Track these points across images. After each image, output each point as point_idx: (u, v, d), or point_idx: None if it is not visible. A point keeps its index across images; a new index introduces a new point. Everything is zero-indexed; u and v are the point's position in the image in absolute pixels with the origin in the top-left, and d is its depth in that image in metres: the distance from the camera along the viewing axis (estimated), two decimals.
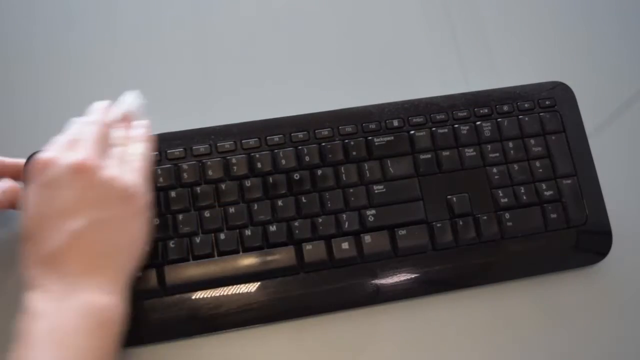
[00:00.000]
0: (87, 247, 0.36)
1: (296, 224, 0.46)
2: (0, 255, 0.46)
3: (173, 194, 0.45)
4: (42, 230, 0.36)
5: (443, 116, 0.49)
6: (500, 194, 0.48)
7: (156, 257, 0.44)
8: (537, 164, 0.49)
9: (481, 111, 0.50)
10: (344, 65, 0.55)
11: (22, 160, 0.45)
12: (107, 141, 0.40)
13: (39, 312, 0.34)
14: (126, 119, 0.43)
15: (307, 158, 0.47)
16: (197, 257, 0.45)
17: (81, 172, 0.37)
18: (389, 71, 0.55)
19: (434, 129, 0.49)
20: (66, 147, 0.39)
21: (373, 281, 0.46)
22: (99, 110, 0.42)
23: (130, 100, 0.45)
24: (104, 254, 0.37)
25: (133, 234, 0.39)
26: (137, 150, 0.41)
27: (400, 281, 0.46)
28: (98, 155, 0.38)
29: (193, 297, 0.44)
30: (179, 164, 0.46)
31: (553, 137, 0.50)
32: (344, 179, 0.47)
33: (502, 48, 0.56)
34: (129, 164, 0.40)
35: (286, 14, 0.56)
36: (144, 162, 0.41)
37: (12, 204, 0.44)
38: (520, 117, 0.50)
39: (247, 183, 0.46)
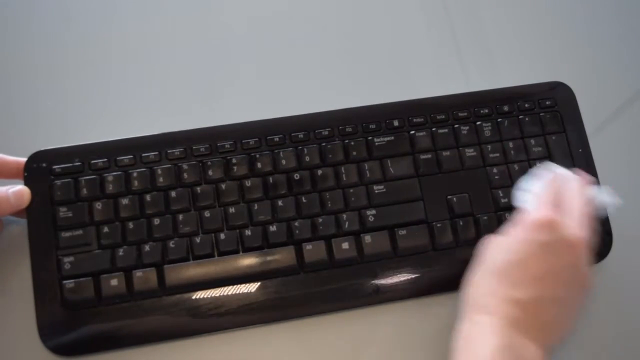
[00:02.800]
0: (540, 315, 0.39)
1: (296, 224, 0.46)
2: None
3: (173, 194, 0.45)
4: (518, 277, 0.39)
5: (443, 116, 0.49)
6: (501, 194, 0.48)
7: (156, 257, 0.44)
8: (538, 164, 0.49)
9: (481, 111, 0.50)
10: (345, 66, 0.55)
11: (23, 159, 0.45)
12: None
13: (493, 329, 0.38)
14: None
15: (307, 158, 0.47)
16: (197, 257, 0.45)
17: (574, 250, 0.39)
18: (389, 71, 0.55)
19: (434, 129, 0.49)
20: (559, 210, 0.41)
21: (373, 281, 0.46)
22: (579, 179, 0.44)
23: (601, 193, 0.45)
24: (548, 326, 0.39)
25: (572, 317, 0.41)
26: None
27: (400, 281, 0.46)
28: (589, 237, 0.40)
29: (193, 297, 0.44)
30: (179, 164, 0.46)
31: (553, 137, 0.50)
32: (344, 179, 0.47)
33: (502, 48, 0.56)
34: (591, 254, 0.41)
35: (286, 15, 0.56)
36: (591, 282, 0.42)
37: (21, 208, 0.44)
38: (520, 117, 0.50)
39: (247, 183, 0.46)
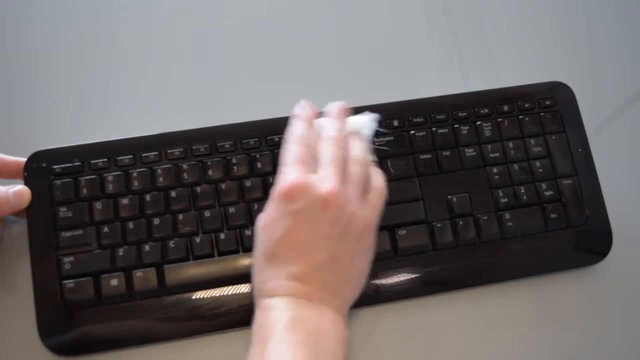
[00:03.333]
0: (324, 278, 0.39)
1: None
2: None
3: (173, 193, 0.45)
4: (288, 255, 0.38)
5: (443, 116, 0.49)
6: (500, 194, 0.48)
7: (156, 257, 0.44)
8: (537, 164, 0.49)
9: (481, 111, 0.50)
10: (344, 65, 0.55)
11: (23, 159, 0.45)
12: (344, 163, 0.40)
13: (281, 308, 0.37)
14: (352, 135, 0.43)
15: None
16: (197, 257, 0.45)
17: (331, 206, 0.38)
18: (389, 71, 0.55)
19: (434, 129, 0.49)
20: (310, 168, 0.39)
21: (373, 281, 0.46)
22: (334, 123, 0.42)
23: (364, 121, 0.44)
24: (336, 285, 0.39)
25: (361, 267, 0.41)
26: (377, 183, 0.42)
27: (400, 281, 0.46)
28: (342, 183, 0.39)
29: (193, 297, 0.44)
30: (179, 164, 0.46)
31: (553, 137, 0.50)
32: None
33: (502, 48, 0.56)
34: (369, 200, 0.41)
35: (286, 15, 0.56)
36: (382, 198, 0.42)
37: (21, 208, 0.44)
38: (520, 117, 0.50)
39: (247, 183, 0.46)
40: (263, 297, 0.39)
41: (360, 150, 0.42)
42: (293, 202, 0.38)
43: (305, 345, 0.36)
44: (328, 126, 0.42)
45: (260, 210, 0.45)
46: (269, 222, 0.39)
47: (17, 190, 0.44)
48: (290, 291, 0.38)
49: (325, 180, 0.38)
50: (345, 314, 0.40)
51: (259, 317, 0.38)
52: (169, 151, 0.46)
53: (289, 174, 0.38)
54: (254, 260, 0.41)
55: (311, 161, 0.40)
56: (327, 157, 0.40)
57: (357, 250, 0.40)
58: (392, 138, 0.48)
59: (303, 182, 0.38)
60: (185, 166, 0.46)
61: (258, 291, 0.40)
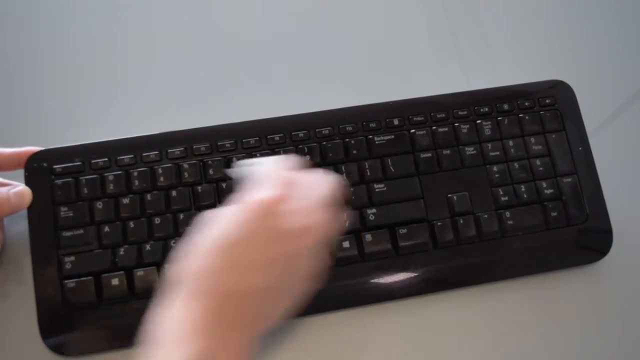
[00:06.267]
0: (252, 308, 0.34)
1: None
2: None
3: (174, 193, 0.45)
4: (237, 261, 0.34)
5: (443, 115, 0.50)
6: (501, 193, 0.48)
7: (157, 257, 0.44)
8: (538, 162, 0.49)
9: (481, 110, 0.50)
10: (344, 65, 0.55)
11: (23, 149, 0.45)
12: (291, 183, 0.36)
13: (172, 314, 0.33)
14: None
15: (307, 157, 0.47)
16: None
17: (300, 238, 0.34)
18: (389, 70, 0.55)
19: (434, 127, 0.49)
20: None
21: (374, 280, 0.46)
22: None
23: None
24: (258, 317, 0.35)
25: (288, 303, 0.36)
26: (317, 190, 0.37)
27: (401, 280, 0.46)
28: (315, 216, 0.35)
29: None
30: (180, 163, 0.46)
31: (553, 136, 0.50)
32: (345, 177, 0.47)
33: (502, 46, 0.56)
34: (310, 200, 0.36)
35: (286, 14, 0.56)
36: (326, 200, 0.37)
37: (22, 209, 0.44)
38: (520, 115, 0.50)
39: None
40: (180, 289, 0.33)
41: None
42: (269, 217, 0.34)
43: None
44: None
45: None
46: (230, 220, 0.34)
47: (18, 191, 0.44)
48: (212, 302, 0.33)
49: (307, 212, 0.35)
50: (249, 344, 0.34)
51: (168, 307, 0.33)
52: (169, 150, 0.46)
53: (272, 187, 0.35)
54: (192, 246, 0.35)
55: None
56: (311, 192, 0.36)
57: (290, 291, 0.36)
58: (392, 137, 0.48)
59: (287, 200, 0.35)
60: (185, 165, 0.46)
61: (180, 278, 0.34)
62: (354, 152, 0.48)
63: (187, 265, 0.34)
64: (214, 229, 0.34)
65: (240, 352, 0.33)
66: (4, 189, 0.43)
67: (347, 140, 0.48)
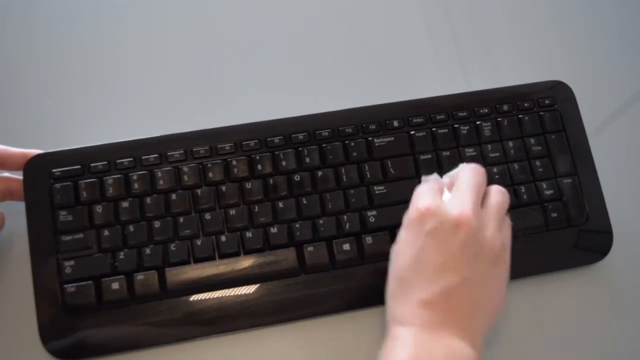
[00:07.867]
0: (455, 303, 0.38)
1: (297, 225, 0.46)
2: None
3: (174, 196, 0.45)
4: (419, 280, 0.38)
5: (443, 116, 0.49)
6: None
7: (157, 260, 0.44)
8: (537, 163, 0.49)
9: (481, 111, 0.50)
10: (344, 66, 0.55)
11: (28, 151, 0.45)
12: (482, 191, 0.41)
13: (406, 342, 0.37)
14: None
15: (307, 159, 0.47)
16: (198, 260, 0.44)
17: (462, 228, 0.38)
18: (389, 71, 0.55)
19: (434, 129, 0.49)
20: (444, 194, 0.41)
21: (375, 282, 0.46)
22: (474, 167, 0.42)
23: None
24: (468, 311, 0.38)
25: (495, 294, 0.39)
26: (503, 209, 0.41)
27: None
28: (477, 207, 0.39)
29: (194, 300, 0.44)
30: (180, 166, 0.46)
31: (553, 136, 0.50)
32: (345, 180, 0.47)
33: (502, 47, 0.56)
34: (503, 226, 0.40)
35: (286, 15, 0.56)
36: (510, 226, 0.41)
37: (5, 195, 0.45)
38: (520, 116, 0.50)
39: (248, 185, 0.46)
40: (394, 324, 0.38)
41: (503, 191, 0.42)
42: (424, 224, 0.38)
43: None
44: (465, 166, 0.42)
45: (260, 211, 0.46)
46: (401, 247, 0.40)
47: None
48: (418, 321, 0.37)
49: (458, 204, 0.38)
50: (478, 346, 0.38)
51: (387, 344, 0.38)
52: (168, 153, 0.46)
53: (420, 200, 0.39)
54: (388, 287, 0.40)
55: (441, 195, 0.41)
56: (465, 182, 0.40)
57: (490, 276, 0.39)
58: (392, 138, 0.48)
59: (434, 204, 0.38)
60: (185, 168, 0.46)
61: (391, 317, 0.39)
62: (354, 154, 0.48)
63: (389, 303, 0.39)
64: (395, 261, 0.40)
65: (465, 353, 0.37)
66: None
67: (347, 142, 0.48)
